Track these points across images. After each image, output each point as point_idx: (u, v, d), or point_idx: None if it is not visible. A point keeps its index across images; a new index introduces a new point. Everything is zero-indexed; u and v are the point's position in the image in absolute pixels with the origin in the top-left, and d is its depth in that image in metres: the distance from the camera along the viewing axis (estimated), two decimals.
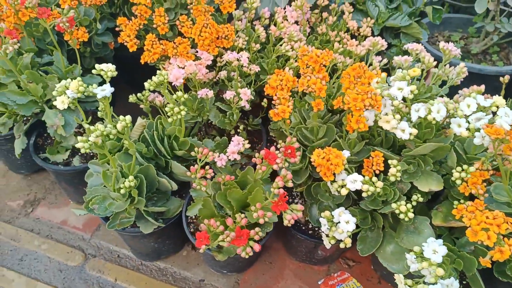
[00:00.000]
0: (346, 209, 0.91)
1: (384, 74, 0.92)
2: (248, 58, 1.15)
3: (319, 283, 1.31)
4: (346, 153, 0.88)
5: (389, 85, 0.88)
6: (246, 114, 1.38)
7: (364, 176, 0.88)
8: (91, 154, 1.34)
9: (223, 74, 1.22)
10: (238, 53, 1.17)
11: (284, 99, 0.91)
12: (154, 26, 1.20)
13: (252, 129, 1.38)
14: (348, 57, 1.21)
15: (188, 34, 1.19)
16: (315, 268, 1.34)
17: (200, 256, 1.35)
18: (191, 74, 1.14)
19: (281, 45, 1.23)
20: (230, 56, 1.14)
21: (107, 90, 0.94)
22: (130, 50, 1.24)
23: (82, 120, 1.02)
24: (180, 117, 0.96)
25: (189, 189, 1.09)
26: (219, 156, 1.06)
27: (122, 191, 0.93)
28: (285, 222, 0.80)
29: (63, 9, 1.10)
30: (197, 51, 1.19)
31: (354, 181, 0.86)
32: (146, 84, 1.02)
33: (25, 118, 1.26)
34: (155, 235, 1.20)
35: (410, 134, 0.84)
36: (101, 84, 0.96)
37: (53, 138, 1.29)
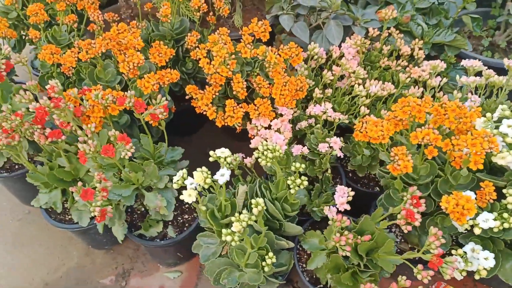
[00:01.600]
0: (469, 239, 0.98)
1: (488, 114, 0.98)
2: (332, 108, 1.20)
3: None
4: (472, 195, 0.95)
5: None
6: None
7: (492, 212, 0.95)
8: (181, 221, 1.37)
9: (303, 124, 1.26)
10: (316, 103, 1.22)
11: (403, 154, 0.96)
12: (234, 92, 1.23)
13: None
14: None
15: (266, 94, 1.23)
16: None
17: None
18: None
19: (351, 86, 1.28)
20: (316, 110, 1.18)
21: (226, 175, 0.97)
22: (210, 118, 1.27)
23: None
24: (302, 187, 1.00)
25: None
26: (329, 209, 1.12)
27: (265, 265, 0.97)
28: (446, 277, 0.86)
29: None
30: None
31: (486, 220, 0.93)
32: (255, 154, 1.06)
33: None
34: None
35: None
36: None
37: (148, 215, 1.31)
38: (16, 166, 1.45)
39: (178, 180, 1.01)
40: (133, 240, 1.32)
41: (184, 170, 1.03)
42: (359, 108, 1.28)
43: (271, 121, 1.22)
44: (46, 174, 1.23)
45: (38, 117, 0.98)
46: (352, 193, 1.12)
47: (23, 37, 1.65)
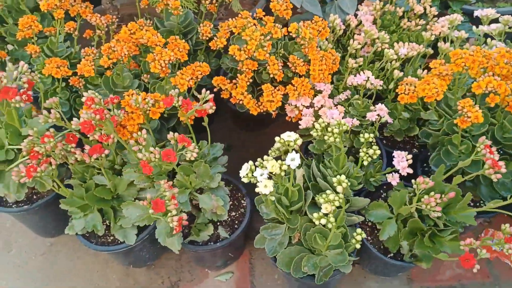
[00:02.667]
0: None
1: None
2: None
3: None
4: None
5: None
6: None
7: None
8: (229, 220, 1.31)
9: (343, 97, 1.23)
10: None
11: (470, 105, 0.96)
12: (271, 74, 1.17)
13: None
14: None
15: (303, 72, 1.18)
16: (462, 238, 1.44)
17: (363, 271, 1.40)
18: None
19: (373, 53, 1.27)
20: (358, 79, 1.16)
21: (296, 159, 0.93)
22: (247, 107, 1.21)
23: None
24: (374, 157, 0.98)
25: None
26: (392, 176, 1.10)
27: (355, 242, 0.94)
28: None
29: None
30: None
31: None
32: (313, 133, 1.02)
33: None
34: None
35: None
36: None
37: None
38: (34, 197, 1.32)
39: (247, 174, 0.95)
40: (185, 249, 1.24)
41: (251, 162, 0.97)
42: (391, 72, 1.27)
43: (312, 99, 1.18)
44: (84, 196, 1.12)
45: (85, 131, 0.88)
46: (410, 156, 1.10)
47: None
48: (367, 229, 1.25)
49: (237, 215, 1.32)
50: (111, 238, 1.25)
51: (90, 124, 0.87)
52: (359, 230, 0.94)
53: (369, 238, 1.22)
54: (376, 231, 1.24)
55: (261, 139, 1.77)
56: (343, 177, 0.90)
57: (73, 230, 1.20)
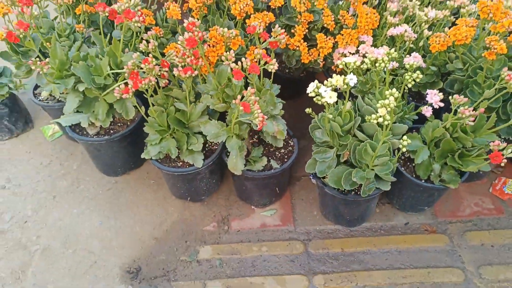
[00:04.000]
0: None
1: None
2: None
3: (490, 191, 1.63)
4: None
5: None
6: None
7: None
8: (279, 155, 1.50)
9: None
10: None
11: (496, 40, 1.19)
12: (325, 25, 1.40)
13: None
14: None
15: (350, 25, 1.42)
16: (479, 183, 1.65)
17: (392, 209, 1.59)
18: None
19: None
20: (397, 31, 1.39)
21: (354, 78, 1.14)
22: (303, 52, 1.43)
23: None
24: (417, 80, 1.19)
25: None
26: (426, 109, 1.32)
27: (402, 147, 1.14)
28: None
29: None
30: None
31: None
32: (365, 66, 1.24)
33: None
34: (370, 198, 1.41)
35: None
36: None
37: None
38: (111, 131, 1.52)
39: (313, 89, 1.16)
40: (246, 175, 1.42)
41: (316, 81, 1.18)
42: (421, 32, 1.50)
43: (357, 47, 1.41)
44: (166, 118, 1.32)
45: (189, 46, 1.10)
46: (440, 93, 1.32)
47: None
48: (401, 161, 1.45)
49: (285, 152, 1.52)
50: (180, 163, 1.44)
51: (194, 40, 1.09)
52: (405, 137, 1.14)
53: (403, 168, 1.42)
54: (408, 163, 1.44)
55: (294, 106, 1.99)
56: (394, 90, 1.11)
57: (149, 155, 1.40)
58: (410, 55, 1.39)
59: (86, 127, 1.47)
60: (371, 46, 1.43)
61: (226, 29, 1.21)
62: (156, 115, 1.31)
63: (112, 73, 1.30)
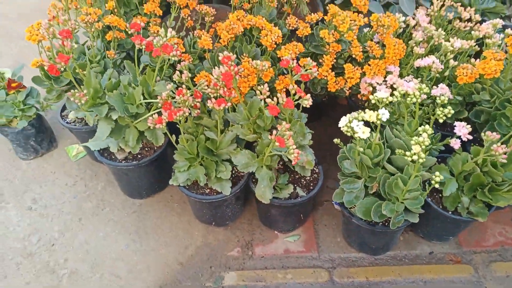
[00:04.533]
0: None
1: None
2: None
3: None
4: None
5: None
6: None
7: None
8: (304, 182, 1.51)
9: (408, 79, 1.47)
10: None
11: None
12: (354, 55, 1.41)
13: None
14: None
15: (377, 55, 1.43)
16: (501, 212, 1.65)
17: (416, 237, 1.59)
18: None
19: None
20: (424, 62, 1.40)
21: (386, 113, 1.16)
22: (330, 82, 1.44)
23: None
24: (449, 115, 1.20)
25: None
26: (454, 141, 1.32)
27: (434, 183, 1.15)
28: None
29: None
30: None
31: None
32: (394, 99, 1.25)
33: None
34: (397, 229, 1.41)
35: None
36: None
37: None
38: (139, 156, 1.54)
39: (346, 124, 1.17)
40: (272, 203, 1.43)
41: (348, 116, 1.20)
42: (446, 62, 1.51)
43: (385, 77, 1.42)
44: (196, 147, 1.34)
45: (226, 81, 1.11)
46: (468, 126, 1.33)
47: None
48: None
49: (311, 179, 1.52)
50: (207, 190, 1.46)
51: (230, 75, 1.11)
52: (437, 173, 1.15)
53: (429, 199, 1.43)
54: (435, 193, 1.45)
55: (313, 128, 2.00)
56: (427, 126, 1.12)
57: (177, 181, 1.41)
58: (437, 87, 1.41)
59: (115, 152, 1.49)
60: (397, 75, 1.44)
61: (259, 62, 1.22)
62: (187, 144, 1.33)
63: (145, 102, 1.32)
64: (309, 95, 1.17)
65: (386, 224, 1.34)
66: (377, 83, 1.43)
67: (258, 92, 1.17)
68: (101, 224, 1.62)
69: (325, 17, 1.54)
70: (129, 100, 1.32)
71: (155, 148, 1.56)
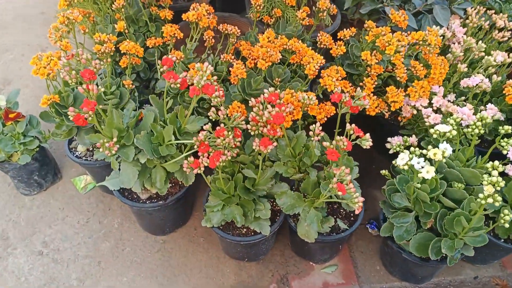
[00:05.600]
0: None
1: None
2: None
3: None
4: None
5: None
6: None
7: None
8: (344, 213, 1.41)
9: (451, 98, 1.38)
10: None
11: None
12: (398, 78, 1.30)
13: None
14: None
15: (422, 76, 1.32)
16: None
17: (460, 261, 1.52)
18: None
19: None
20: (472, 82, 1.30)
21: (449, 148, 1.06)
22: (373, 107, 1.33)
23: None
24: None
25: None
26: (510, 168, 1.24)
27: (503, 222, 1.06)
28: None
29: None
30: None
31: None
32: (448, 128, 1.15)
33: None
34: None
35: None
36: None
37: None
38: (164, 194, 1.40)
39: (406, 162, 1.07)
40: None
41: (408, 152, 1.09)
42: (491, 76, 1.42)
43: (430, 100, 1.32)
44: (232, 187, 1.22)
45: (277, 123, 0.99)
46: None
47: None
48: None
49: (349, 211, 1.42)
50: (244, 230, 1.34)
51: (282, 116, 0.98)
52: (506, 211, 1.06)
53: None
54: (485, 220, 1.37)
55: None
56: (495, 173, 1.02)
57: (210, 223, 1.29)
58: (486, 107, 1.32)
59: (138, 192, 1.35)
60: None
61: (305, 96, 1.10)
62: (224, 186, 1.20)
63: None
64: (368, 134, 1.05)
65: (438, 259, 1.26)
66: (422, 105, 1.33)
67: (311, 133, 1.05)
68: (124, 267, 1.48)
69: (352, 29, 1.43)
70: (157, 139, 1.18)
71: (180, 182, 1.43)
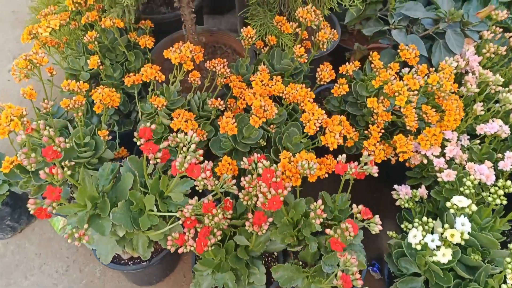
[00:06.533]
0: None
1: None
2: None
3: None
4: None
5: None
6: None
7: None
8: None
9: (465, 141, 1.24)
10: None
11: None
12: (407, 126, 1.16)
13: None
14: None
15: (434, 122, 1.18)
16: None
17: None
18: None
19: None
20: (491, 129, 1.16)
21: (467, 224, 0.94)
22: (378, 156, 1.19)
23: None
24: None
25: None
26: None
27: None
28: None
29: None
30: None
31: None
32: (465, 191, 1.03)
33: None
34: None
35: None
36: None
37: None
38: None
39: (420, 240, 0.95)
40: None
41: (420, 229, 0.97)
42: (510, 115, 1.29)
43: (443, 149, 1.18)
44: (224, 256, 1.09)
45: (273, 209, 0.85)
46: None
47: None
48: None
49: None
50: None
51: (279, 201, 0.84)
52: None
53: None
54: None
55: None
56: None
57: (200, 287, 1.17)
58: (504, 157, 1.19)
59: (120, 253, 1.22)
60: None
61: (305, 164, 0.96)
62: (215, 257, 1.07)
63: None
64: (377, 216, 0.92)
65: None
66: (434, 155, 1.19)
67: (313, 215, 0.91)
68: None
69: (356, 63, 1.28)
70: (138, 207, 1.04)
71: None
